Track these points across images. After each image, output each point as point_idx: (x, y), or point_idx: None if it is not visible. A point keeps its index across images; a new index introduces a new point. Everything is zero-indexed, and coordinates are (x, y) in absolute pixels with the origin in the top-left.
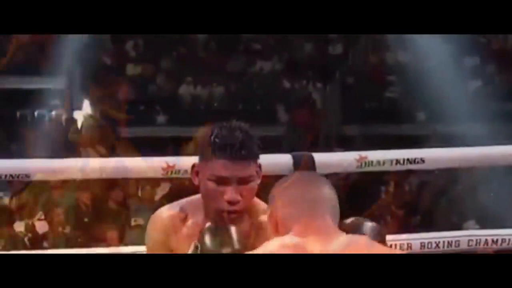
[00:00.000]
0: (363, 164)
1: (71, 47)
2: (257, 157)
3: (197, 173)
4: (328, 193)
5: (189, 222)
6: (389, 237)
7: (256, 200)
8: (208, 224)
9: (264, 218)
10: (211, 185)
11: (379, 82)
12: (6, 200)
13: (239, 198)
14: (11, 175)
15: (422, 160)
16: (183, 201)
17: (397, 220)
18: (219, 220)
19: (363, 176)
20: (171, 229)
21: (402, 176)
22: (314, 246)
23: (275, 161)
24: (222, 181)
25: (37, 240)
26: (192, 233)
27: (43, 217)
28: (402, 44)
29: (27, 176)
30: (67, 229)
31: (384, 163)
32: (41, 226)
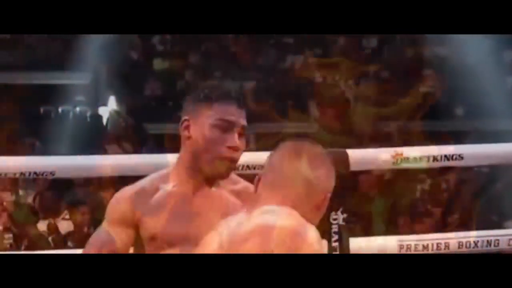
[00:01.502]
0: (399, 161)
1: (97, 41)
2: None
3: (188, 127)
4: (304, 167)
5: (159, 192)
6: (426, 236)
7: None
8: None
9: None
10: (214, 132)
11: (416, 77)
12: (30, 199)
13: (241, 145)
14: (35, 173)
15: (461, 157)
16: (147, 178)
17: (434, 219)
18: (216, 169)
19: (398, 173)
20: (138, 202)
21: (439, 173)
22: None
23: None
24: (227, 126)
25: (61, 240)
26: (163, 202)
27: (68, 216)
28: (439, 38)
29: (52, 173)
30: (93, 229)
31: (420, 159)
32: (66, 226)
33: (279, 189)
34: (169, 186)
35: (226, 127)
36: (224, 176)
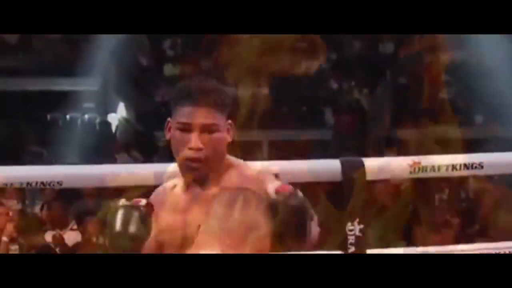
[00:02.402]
0: (417, 170)
1: (106, 46)
2: (226, 110)
3: (169, 129)
4: None
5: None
6: (445, 248)
7: (234, 163)
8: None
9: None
10: (177, 134)
11: (433, 83)
12: (37, 209)
13: (200, 145)
14: (42, 183)
15: (481, 165)
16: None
17: (453, 229)
18: (184, 171)
19: (415, 182)
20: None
21: (458, 182)
22: None
23: (323, 167)
24: (185, 127)
25: (68, 251)
26: (161, 202)
27: (75, 226)
28: (458, 42)
29: (59, 183)
30: (101, 240)
31: (439, 168)
32: (74, 237)
33: None
34: (171, 186)
35: (185, 128)
36: (196, 176)
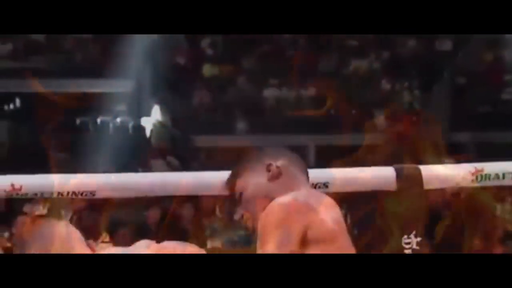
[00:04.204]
0: (479, 178)
1: (140, 45)
2: None
3: None
4: None
5: None
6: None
7: None
8: None
9: None
10: None
11: (495, 83)
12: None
13: None
14: (74, 193)
15: None
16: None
17: None
18: None
19: (476, 191)
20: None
21: None
22: None
23: (375, 174)
24: None
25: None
26: None
27: (107, 239)
28: None
29: (92, 194)
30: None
31: (504, 176)
32: (105, 249)
33: None
34: None
35: None
36: None
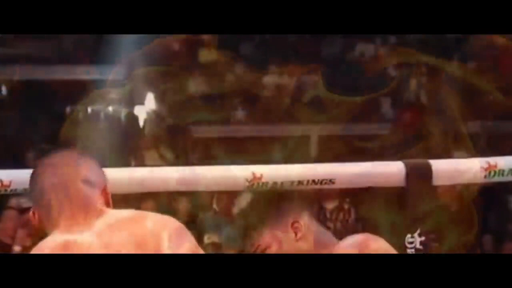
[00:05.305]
0: (492, 174)
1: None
2: None
3: None
4: None
5: None
6: None
7: None
8: None
9: None
10: None
11: (508, 69)
12: None
13: None
14: None
15: None
16: None
17: None
18: None
19: (486, 186)
20: None
21: None
22: None
23: (384, 169)
24: None
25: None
26: None
27: None
28: None
29: None
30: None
31: None
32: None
33: None
34: None
35: None
36: None
